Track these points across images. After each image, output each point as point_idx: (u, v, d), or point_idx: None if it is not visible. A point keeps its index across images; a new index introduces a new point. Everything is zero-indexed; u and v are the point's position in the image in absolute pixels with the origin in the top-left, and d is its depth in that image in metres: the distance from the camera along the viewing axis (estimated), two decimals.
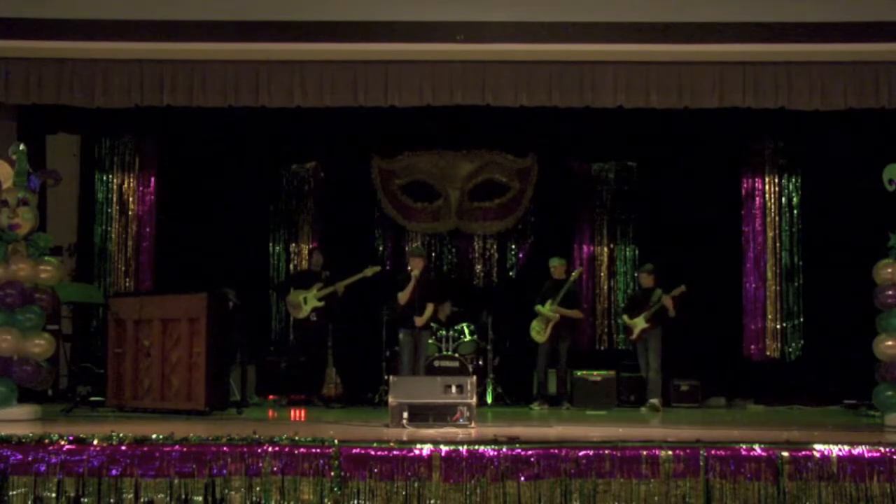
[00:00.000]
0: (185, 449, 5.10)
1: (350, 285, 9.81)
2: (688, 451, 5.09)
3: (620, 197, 11.73)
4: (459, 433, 6.01)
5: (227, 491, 5.03)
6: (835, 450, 5.07)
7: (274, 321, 11.53)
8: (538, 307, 9.76)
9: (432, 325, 9.84)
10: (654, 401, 9.48)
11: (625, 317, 10.00)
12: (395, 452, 5.06)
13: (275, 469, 5.03)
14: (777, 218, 11.38)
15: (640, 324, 9.66)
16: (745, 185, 11.52)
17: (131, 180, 11.62)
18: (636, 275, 10.11)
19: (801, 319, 11.18)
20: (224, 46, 8.37)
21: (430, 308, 9.33)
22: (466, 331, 10.59)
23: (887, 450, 5.08)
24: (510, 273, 11.77)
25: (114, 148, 11.62)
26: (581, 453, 5.08)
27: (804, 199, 11.32)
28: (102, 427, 5.79)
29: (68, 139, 11.01)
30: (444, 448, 5.08)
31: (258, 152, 11.30)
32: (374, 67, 8.52)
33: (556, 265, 9.88)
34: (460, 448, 5.09)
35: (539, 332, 9.81)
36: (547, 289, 9.82)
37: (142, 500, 5.03)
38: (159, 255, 11.49)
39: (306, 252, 11.62)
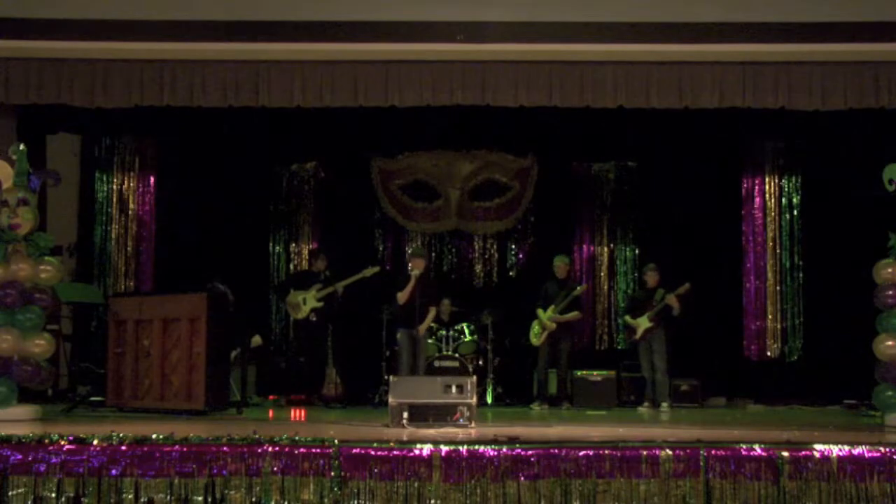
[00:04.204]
0: (185, 449, 5.09)
1: (350, 285, 9.81)
2: (688, 451, 5.09)
3: (620, 197, 11.74)
4: (459, 433, 6.00)
5: (227, 491, 5.03)
6: (835, 450, 5.07)
7: (274, 321, 11.54)
8: (539, 311, 9.77)
9: (433, 325, 9.85)
10: (665, 405, 9.48)
11: (626, 317, 10.00)
12: (395, 452, 5.05)
13: (275, 469, 5.03)
14: (777, 218, 11.39)
15: (643, 323, 9.66)
16: (745, 185, 11.53)
17: (131, 180, 11.63)
18: (642, 274, 10.06)
19: (801, 319, 11.19)
20: (224, 46, 8.37)
21: (431, 312, 9.36)
22: (466, 331, 10.59)
23: (887, 450, 5.08)
24: (510, 273, 11.77)
25: (114, 148, 11.64)
26: (581, 453, 5.08)
27: (804, 199, 11.33)
28: (102, 427, 5.78)
29: (68, 139, 11.01)
30: (444, 448, 5.07)
31: (258, 152, 11.30)
32: (374, 67, 8.53)
33: (559, 264, 9.89)
34: (460, 448, 5.09)
35: (535, 336, 9.84)
36: (549, 291, 9.82)
37: (142, 500, 5.02)
38: (159, 255, 11.50)
39: (306, 252, 11.63)
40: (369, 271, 9.78)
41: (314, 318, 9.77)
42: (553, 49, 8.35)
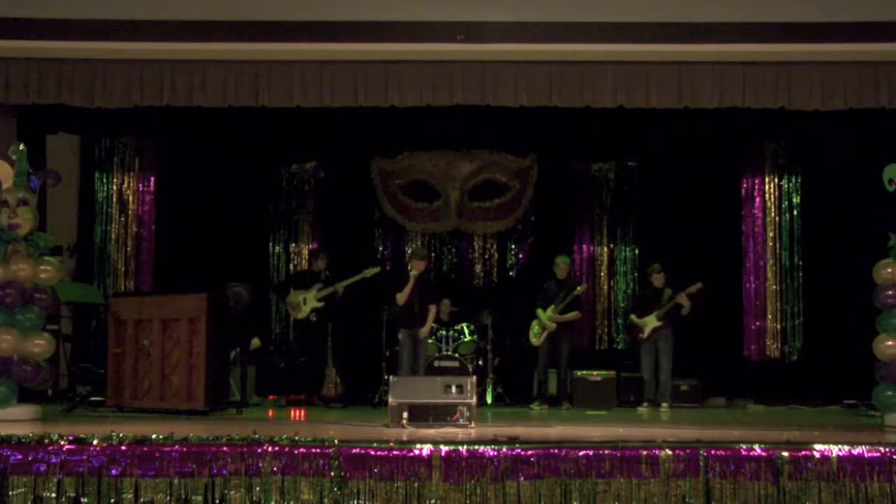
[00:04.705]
0: (185, 449, 5.10)
1: (350, 286, 9.81)
2: (688, 451, 5.09)
3: (620, 197, 11.74)
4: (459, 433, 6.01)
5: (227, 491, 5.03)
6: (835, 450, 5.07)
7: (274, 321, 11.54)
8: (539, 311, 9.77)
9: (433, 325, 9.84)
10: (665, 405, 9.47)
11: (632, 316, 9.98)
12: (395, 452, 5.05)
13: (275, 469, 5.03)
14: (777, 218, 11.39)
15: (651, 322, 9.64)
16: (745, 185, 11.52)
17: (131, 180, 11.63)
18: (647, 275, 10.01)
19: (801, 319, 11.18)
20: (224, 46, 8.36)
21: (432, 312, 9.36)
22: (466, 331, 10.59)
23: (887, 450, 5.08)
24: (510, 273, 11.77)
25: (114, 148, 11.63)
26: (581, 453, 5.08)
27: (804, 199, 11.33)
28: (102, 427, 5.78)
29: (68, 139, 11.00)
30: (444, 448, 5.08)
31: (258, 152, 11.30)
32: (374, 67, 8.52)
33: (560, 264, 9.89)
34: (460, 448, 5.09)
35: (535, 336, 9.84)
36: (549, 291, 9.82)
37: (142, 500, 5.03)
38: (159, 255, 11.50)
39: (306, 252, 11.63)
40: (370, 272, 9.77)
41: (314, 319, 9.77)
42: (553, 49, 8.34)
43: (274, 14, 8.29)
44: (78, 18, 8.30)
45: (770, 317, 11.27)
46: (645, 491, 5.02)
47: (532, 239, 11.75)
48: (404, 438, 5.44)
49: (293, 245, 11.79)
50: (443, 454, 5.04)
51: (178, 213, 11.34)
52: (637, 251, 11.67)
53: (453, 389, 6.62)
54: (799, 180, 11.39)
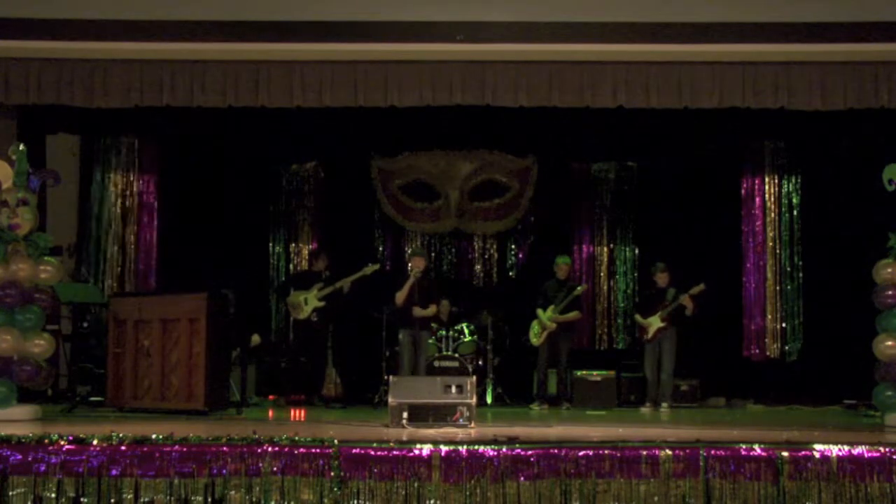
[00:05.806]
0: (185, 449, 5.10)
1: (351, 283, 9.81)
2: (688, 451, 5.09)
3: (620, 197, 11.74)
4: (459, 433, 6.01)
5: (227, 491, 5.03)
6: (835, 450, 5.07)
7: (274, 321, 11.54)
8: (539, 311, 9.77)
9: (432, 325, 9.84)
10: (665, 405, 9.46)
11: (637, 316, 9.97)
12: (394, 452, 5.06)
13: (275, 469, 5.03)
14: (777, 218, 11.38)
15: (655, 323, 9.61)
16: (745, 185, 11.52)
17: (131, 180, 11.62)
18: (651, 274, 9.96)
19: (801, 319, 11.17)
20: (224, 46, 8.36)
21: (432, 308, 9.38)
22: (466, 331, 10.59)
23: (887, 450, 5.08)
24: (510, 273, 11.78)
25: (114, 148, 11.61)
26: (581, 453, 5.08)
27: (804, 199, 11.32)
28: (102, 427, 5.79)
29: (68, 139, 11.00)
30: (443, 448, 5.08)
31: (258, 152, 11.30)
32: (374, 67, 8.52)
33: (561, 264, 9.88)
34: (460, 448, 5.09)
35: (535, 336, 9.83)
36: (549, 291, 9.81)
37: (142, 500, 5.03)
38: (159, 255, 11.50)
39: (306, 252, 11.64)
40: (369, 269, 9.76)
41: (315, 319, 9.76)
42: (553, 49, 8.35)
43: (274, 14, 8.29)
44: (78, 18, 8.30)
45: (770, 317, 11.26)
46: (645, 491, 5.02)
47: (532, 239, 11.76)
48: (404, 438, 5.45)
49: (293, 245, 11.80)
50: (443, 454, 5.05)
51: (178, 213, 11.34)
52: (637, 251, 11.67)
53: (453, 389, 6.62)
54: (799, 180, 11.39)
